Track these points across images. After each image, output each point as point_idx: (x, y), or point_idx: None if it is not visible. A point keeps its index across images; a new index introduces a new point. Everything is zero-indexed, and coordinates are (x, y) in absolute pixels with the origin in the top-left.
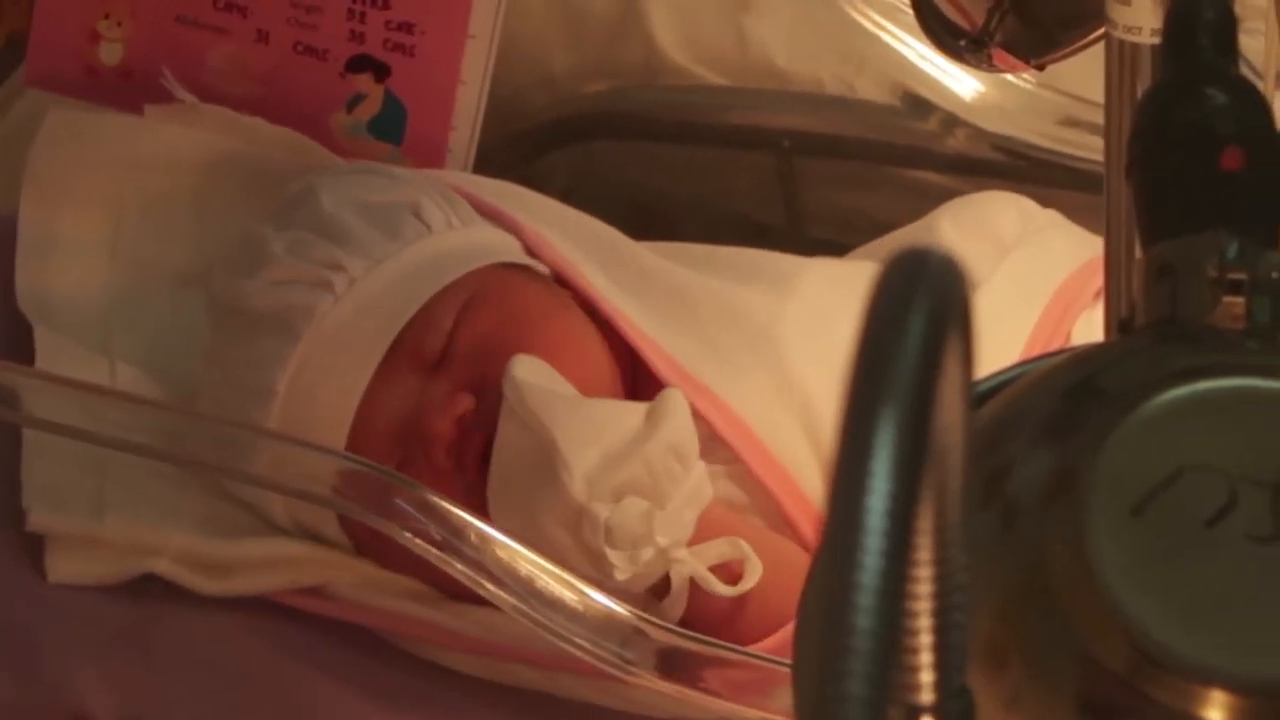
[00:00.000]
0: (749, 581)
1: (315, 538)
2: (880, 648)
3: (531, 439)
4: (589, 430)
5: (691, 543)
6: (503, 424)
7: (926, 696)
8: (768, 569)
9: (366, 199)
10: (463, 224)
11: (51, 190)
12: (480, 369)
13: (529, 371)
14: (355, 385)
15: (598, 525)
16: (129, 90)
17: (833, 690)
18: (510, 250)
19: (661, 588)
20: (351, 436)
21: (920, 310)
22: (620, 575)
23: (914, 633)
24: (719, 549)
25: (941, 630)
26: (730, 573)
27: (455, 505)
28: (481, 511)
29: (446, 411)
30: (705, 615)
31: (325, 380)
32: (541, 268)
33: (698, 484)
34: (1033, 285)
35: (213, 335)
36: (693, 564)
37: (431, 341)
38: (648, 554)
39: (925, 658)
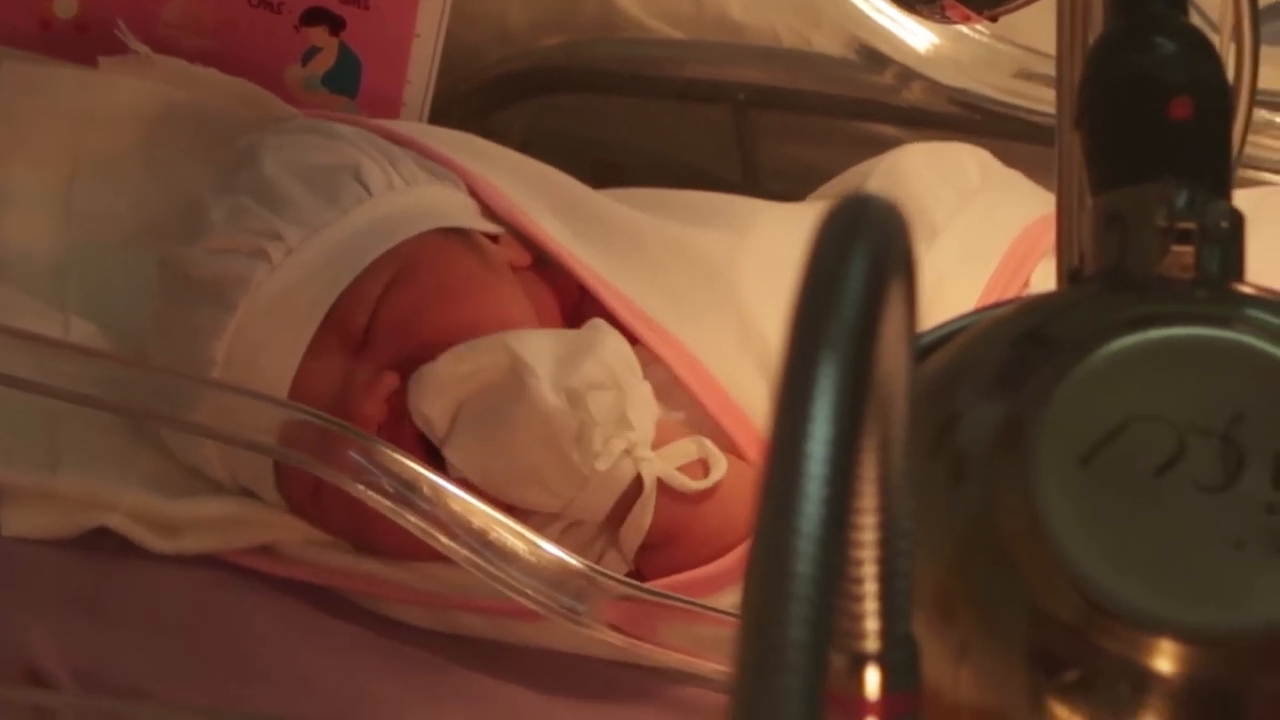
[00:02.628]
0: (716, 473)
1: (253, 496)
2: (821, 593)
3: (491, 367)
4: (539, 343)
5: (654, 447)
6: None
7: (871, 644)
8: (730, 471)
9: (308, 161)
10: (406, 183)
11: (5, 144)
12: (404, 348)
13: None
14: (289, 363)
15: (570, 421)
16: (84, 43)
17: (775, 636)
18: (450, 212)
19: (630, 496)
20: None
21: (861, 256)
22: (601, 465)
23: (858, 580)
24: (684, 448)
25: (886, 578)
26: (696, 474)
27: (408, 457)
28: None
29: (372, 394)
30: (674, 519)
31: (260, 354)
32: (486, 226)
33: (648, 395)
34: (991, 234)
35: (157, 300)
36: (660, 464)
37: (358, 318)
38: (620, 445)
39: (870, 605)
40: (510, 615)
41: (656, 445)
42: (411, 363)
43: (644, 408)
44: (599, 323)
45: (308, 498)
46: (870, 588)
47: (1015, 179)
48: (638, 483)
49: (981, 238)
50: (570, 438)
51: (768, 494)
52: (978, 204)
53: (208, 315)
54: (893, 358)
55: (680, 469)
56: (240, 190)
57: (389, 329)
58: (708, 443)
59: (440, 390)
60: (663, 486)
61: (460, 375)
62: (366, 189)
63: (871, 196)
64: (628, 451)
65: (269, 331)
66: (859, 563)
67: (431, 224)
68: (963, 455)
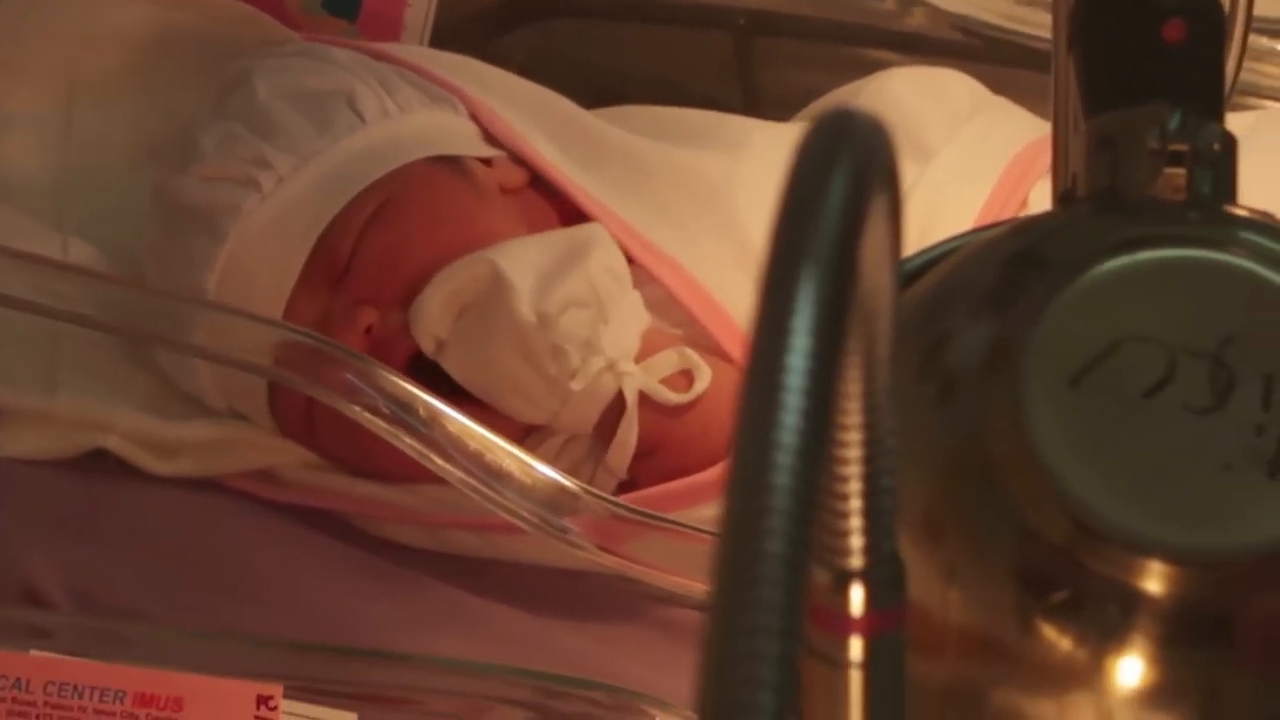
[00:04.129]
0: (700, 385)
1: (245, 418)
2: (800, 506)
3: (476, 280)
4: (524, 257)
5: (638, 359)
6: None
7: (856, 561)
8: (722, 377)
9: (302, 86)
10: (400, 110)
11: (3, 65)
12: (385, 282)
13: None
14: (280, 293)
15: (546, 339)
16: None
17: (752, 548)
18: (444, 138)
19: (616, 410)
20: None
21: (843, 170)
22: (576, 385)
23: (842, 497)
24: (667, 359)
25: (871, 495)
26: (680, 385)
27: (405, 379)
28: None
29: (351, 326)
30: (660, 429)
31: (251, 285)
32: (484, 152)
33: (635, 304)
34: (987, 156)
35: (151, 227)
36: (642, 377)
37: (342, 248)
38: (598, 363)
39: (854, 522)
40: (502, 531)
41: (641, 357)
42: (392, 295)
43: (629, 320)
44: (594, 228)
45: (301, 422)
46: (854, 504)
47: (1005, 104)
48: (621, 397)
49: (977, 159)
50: (546, 355)
51: (746, 407)
52: (972, 127)
53: (199, 245)
54: (876, 274)
55: (664, 380)
56: (231, 116)
57: (370, 261)
58: (690, 352)
59: (437, 312)
60: (646, 399)
61: (450, 293)
62: (360, 116)
63: (855, 111)
64: (609, 367)
65: (260, 262)
66: (843, 479)
67: (422, 152)
68: (952, 376)
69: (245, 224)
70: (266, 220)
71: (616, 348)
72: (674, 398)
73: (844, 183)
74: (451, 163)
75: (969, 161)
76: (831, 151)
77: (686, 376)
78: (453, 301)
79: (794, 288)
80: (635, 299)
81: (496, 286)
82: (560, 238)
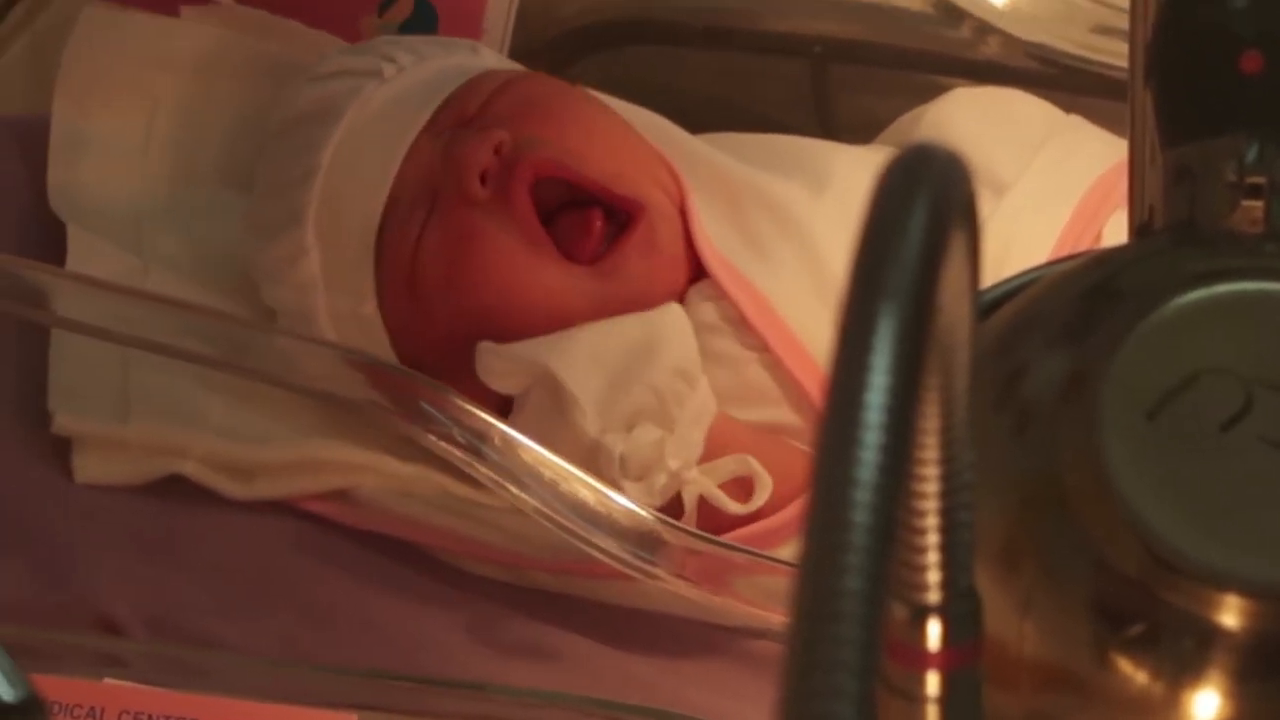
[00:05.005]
0: (760, 498)
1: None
2: (878, 542)
3: (537, 384)
4: (589, 358)
5: (701, 460)
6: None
7: (934, 596)
8: (779, 479)
9: (425, 36)
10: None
11: (85, 89)
12: (520, 114)
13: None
14: (395, 150)
15: (613, 458)
16: None
17: (831, 585)
18: None
19: (674, 507)
20: (392, 191)
21: (922, 206)
22: (638, 493)
23: (920, 532)
24: (729, 467)
25: (948, 530)
26: (741, 488)
27: (481, 409)
28: (528, 241)
29: (481, 141)
30: (719, 532)
31: (365, 150)
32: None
33: (703, 400)
34: (1063, 185)
35: (260, 160)
36: (703, 482)
37: (473, 102)
38: (661, 480)
39: (932, 557)
40: (579, 574)
41: (708, 456)
42: (526, 124)
43: (695, 425)
44: (667, 315)
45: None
46: (932, 539)
47: (1079, 124)
48: (679, 497)
49: (1052, 191)
50: (612, 465)
51: (825, 443)
52: (1046, 156)
53: (313, 131)
54: (955, 309)
55: (724, 485)
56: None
57: (501, 105)
58: (752, 461)
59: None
60: (706, 502)
61: (510, 379)
62: (480, 56)
63: (935, 146)
64: (672, 475)
65: (375, 131)
66: (921, 514)
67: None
68: (1029, 407)
69: (364, 103)
70: (385, 98)
71: (679, 458)
72: (734, 508)
73: (923, 218)
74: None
75: (1044, 192)
76: (910, 187)
77: (747, 485)
78: (513, 384)
79: (873, 325)
80: (704, 390)
81: (558, 398)
82: (631, 329)
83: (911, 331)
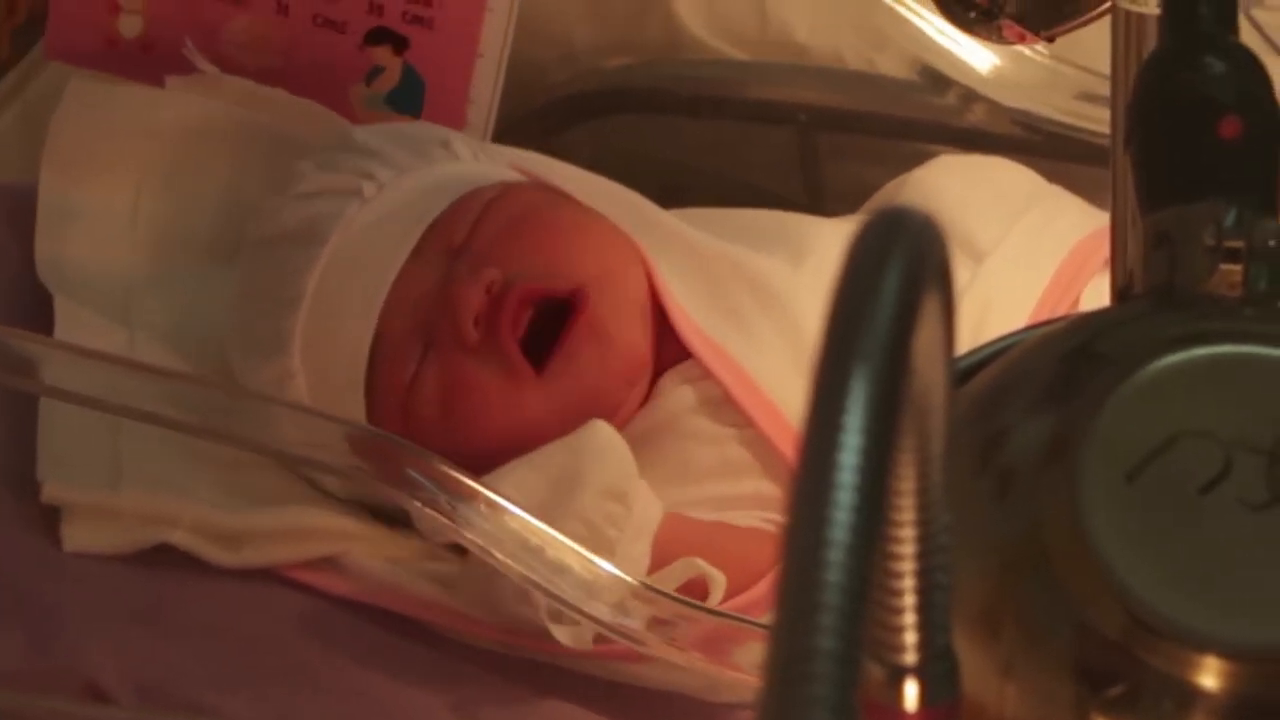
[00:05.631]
0: (715, 596)
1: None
2: (852, 603)
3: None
4: (518, 493)
5: (650, 569)
6: None
7: (910, 657)
8: (741, 563)
9: (399, 131)
10: (490, 161)
11: (72, 160)
12: (508, 246)
13: None
14: (384, 277)
15: (538, 607)
16: (149, 62)
17: (804, 644)
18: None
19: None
20: (380, 323)
21: (895, 268)
22: (568, 641)
23: (897, 593)
24: (676, 573)
25: (925, 590)
26: (698, 589)
27: (465, 474)
28: (518, 384)
29: (474, 281)
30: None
31: (353, 277)
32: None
33: (643, 512)
34: (1041, 253)
35: (241, 269)
36: (645, 611)
37: (458, 231)
38: (601, 609)
39: (909, 618)
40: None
41: (657, 565)
42: (515, 258)
43: (636, 536)
44: (594, 428)
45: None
46: (909, 600)
47: (1060, 193)
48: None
49: (1032, 256)
50: (539, 615)
51: (798, 504)
52: (1027, 220)
53: (298, 253)
54: (930, 371)
55: (680, 589)
56: (330, 150)
57: (493, 232)
58: (699, 561)
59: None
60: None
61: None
62: (455, 155)
63: (908, 209)
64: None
65: (361, 256)
66: (897, 575)
67: (525, 177)
68: (1009, 470)
69: (348, 226)
70: (369, 221)
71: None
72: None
73: (896, 281)
74: (553, 189)
75: (1024, 257)
76: (884, 250)
77: (701, 585)
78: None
79: (846, 386)
80: (643, 500)
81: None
82: (555, 459)
83: (885, 393)
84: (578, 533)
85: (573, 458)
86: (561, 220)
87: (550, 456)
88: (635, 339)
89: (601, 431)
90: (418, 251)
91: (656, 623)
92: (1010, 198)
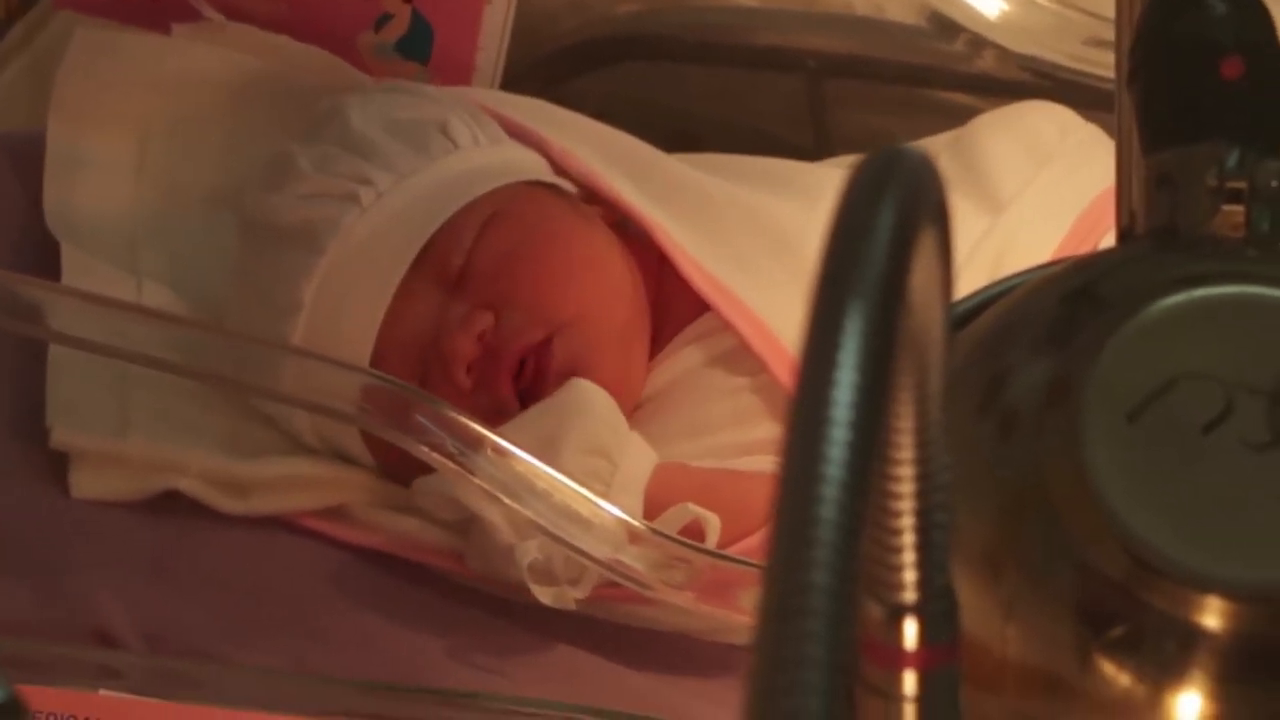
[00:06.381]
0: (712, 537)
1: (340, 455)
2: (845, 538)
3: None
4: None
5: (647, 517)
6: None
7: (910, 595)
8: (743, 508)
9: (394, 116)
10: (490, 142)
11: (78, 109)
12: (499, 287)
13: None
14: (379, 301)
15: (521, 569)
16: (157, 10)
17: (797, 579)
18: (537, 169)
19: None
20: (375, 352)
21: (890, 204)
22: (549, 601)
23: (895, 531)
24: (670, 520)
25: (924, 529)
26: (695, 533)
27: (473, 419)
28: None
29: (467, 329)
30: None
31: (350, 294)
32: (569, 186)
33: (631, 465)
34: (1064, 200)
35: (240, 252)
36: (646, 559)
37: (453, 258)
38: (591, 578)
39: (908, 557)
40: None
41: (653, 512)
42: (508, 302)
43: (626, 490)
44: (575, 385)
45: (394, 454)
46: (908, 539)
47: (1095, 136)
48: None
49: (1051, 208)
50: (521, 574)
51: (792, 440)
52: (1053, 169)
53: (296, 259)
54: (927, 309)
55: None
56: (327, 141)
57: (486, 267)
58: (693, 506)
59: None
60: None
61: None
62: (454, 143)
63: (903, 149)
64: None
65: (358, 273)
66: (896, 514)
67: (523, 176)
68: (1011, 412)
69: (345, 237)
70: (366, 233)
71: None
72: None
73: (891, 217)
74: (552, 188)
75: (1043, 208)
76: (878, 186)
77: (698, 527)
78: (453, 512)
79: (840, 321)
80: (633, 451)
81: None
82: (533, 424)
83: (880, 329)
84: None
85: (554, 418)
86: (549, 253)
87: (532, 419)
88: (613, 367)
89: (582, 390)
90: (412, 275)
91: (658, 566)
92: (1038, 146)
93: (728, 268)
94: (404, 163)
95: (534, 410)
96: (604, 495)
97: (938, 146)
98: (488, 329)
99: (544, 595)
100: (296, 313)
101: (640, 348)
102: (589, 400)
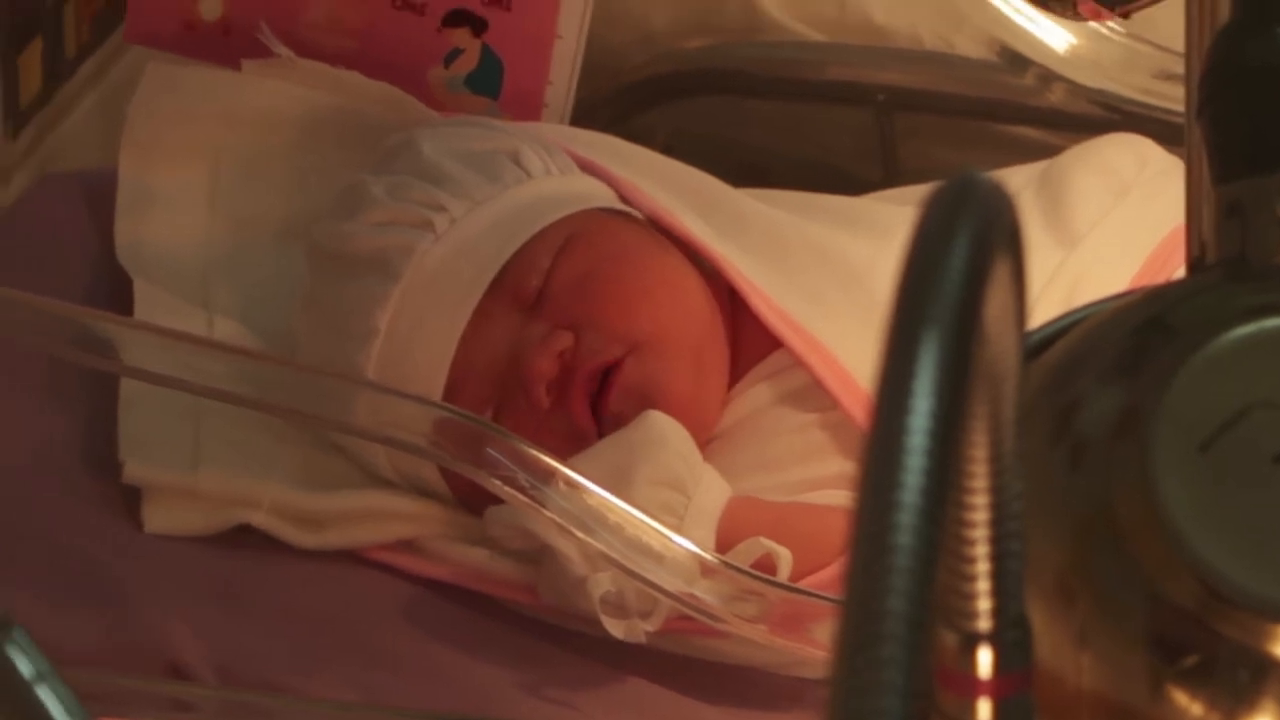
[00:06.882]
0: (782, 574)
1: (417, 487)
2: (921, 565)
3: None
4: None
5: (720, 550)
6: None
7: (984, 624)
8: (816, 540)
9: (466, 147)
10: (561, 172)
11: (150, 144)
12: (579, 308)
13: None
14: (455, 324)
15: (592, 601)
16: (228, 46)
17: (875, 607)
18: (610, 198)
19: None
20: (451, 375)
21: (965, 232)
22: (620, 634)
23: (970, 560)
24: (744, 554)
25: (998, 557)
26: (765, 564)
27: (545, 453)
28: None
29: (546, 349)
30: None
31: (425, 319)
32: (640, 215)
33: (704, 497)
34: (1140, 232)
35: (312, 281)
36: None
37: (530, 280)
38: (662, 611)
39: (982, 585)
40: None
41: (722, 548)
42: (587, 322)
43: (698, 523)
44: (649, 419)
45: (470, 486)
46: (982, 567)
47: (1174, 168)
48: None
49: (1128, 239)
50: (593, 607)
51: (868, 468)
52: (1129, 202)
53: (371, 286)
54: (1001, 337)
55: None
56: (400, 171)
57: (566, 289)
58: (765, 541)
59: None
60: None
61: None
62: (527, 172)
63: (977, 176)
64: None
65: (433, 299)
66: (970, 542)
67: (595, 204)
68: (1082, 441)
69: (420, 262)
70: (441, 258)
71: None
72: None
73: (966, 246)
74: (626, 215)
75: (1117, 242)
76: (953, 215)
77: (769, 561)
78: (523, 543)
79: (916, 349)
80: (706, 491)
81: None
82: (606, 456)
83: (955, 356)
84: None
85: (627, 449)
86: (627, 274)
87: (605, 451)
88: (688, 389)
89: (657, 421)
90: (488, 299)
91: (730, 599)
92: (1117, 178)
93: (799, 304)
94: (478, 190)
95: (607, 441)
96: (676, 528)
97: (1025, 178)
98: (567, 348)
99: (616, 628)
100: (372, 340)
101: (717, 377)
102: (663, 432)
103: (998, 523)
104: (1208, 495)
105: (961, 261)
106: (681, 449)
